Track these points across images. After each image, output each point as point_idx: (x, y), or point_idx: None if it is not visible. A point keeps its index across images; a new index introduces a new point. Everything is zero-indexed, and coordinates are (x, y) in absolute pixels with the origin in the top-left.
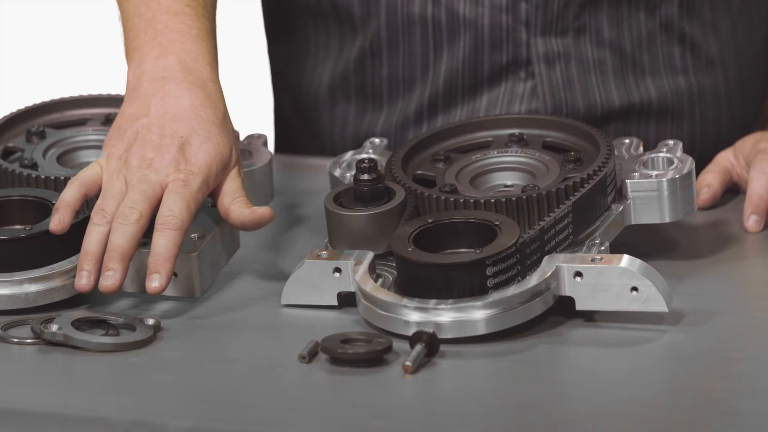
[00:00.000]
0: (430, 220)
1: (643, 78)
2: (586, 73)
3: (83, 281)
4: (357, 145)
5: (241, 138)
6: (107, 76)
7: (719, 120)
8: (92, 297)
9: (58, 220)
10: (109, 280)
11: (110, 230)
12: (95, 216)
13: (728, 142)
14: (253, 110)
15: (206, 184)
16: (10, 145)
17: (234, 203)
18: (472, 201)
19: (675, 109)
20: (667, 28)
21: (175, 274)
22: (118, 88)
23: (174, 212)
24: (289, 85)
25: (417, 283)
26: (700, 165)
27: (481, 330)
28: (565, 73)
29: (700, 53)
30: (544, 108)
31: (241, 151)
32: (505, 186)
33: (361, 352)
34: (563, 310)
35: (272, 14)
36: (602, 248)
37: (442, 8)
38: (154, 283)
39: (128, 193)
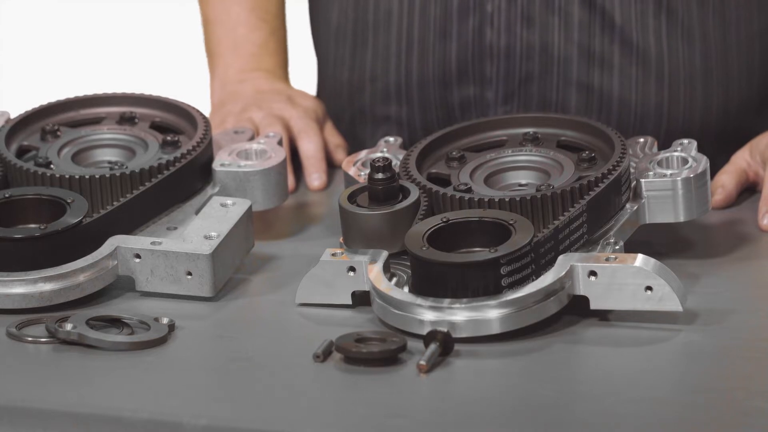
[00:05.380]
0: (444, 219)
1: (611, 30)
2: (550, 14)
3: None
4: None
5: (256, 137)
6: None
7: (692, 92)
8: (107, 296)
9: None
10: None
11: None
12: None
13: (700, 119)
14: None
15: (318, 122)
16: (25, 143)
17: (336, 150)
18: (486, 200)
19: (640, 70)
20: None
21: (189, 273)
22: (132, 87)
23: (309, 123)
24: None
25: (431, 282)
26: (668, 136)
27: (496, 329)
28: (526, 9)
29: (676, 18)
30: (497, 43)
31: (255, 150)
32: (520, 185)
33: (376, 352)
34: (577, 309)
35: None
36: (617, 247)
37: None
38: (315, 182)
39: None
